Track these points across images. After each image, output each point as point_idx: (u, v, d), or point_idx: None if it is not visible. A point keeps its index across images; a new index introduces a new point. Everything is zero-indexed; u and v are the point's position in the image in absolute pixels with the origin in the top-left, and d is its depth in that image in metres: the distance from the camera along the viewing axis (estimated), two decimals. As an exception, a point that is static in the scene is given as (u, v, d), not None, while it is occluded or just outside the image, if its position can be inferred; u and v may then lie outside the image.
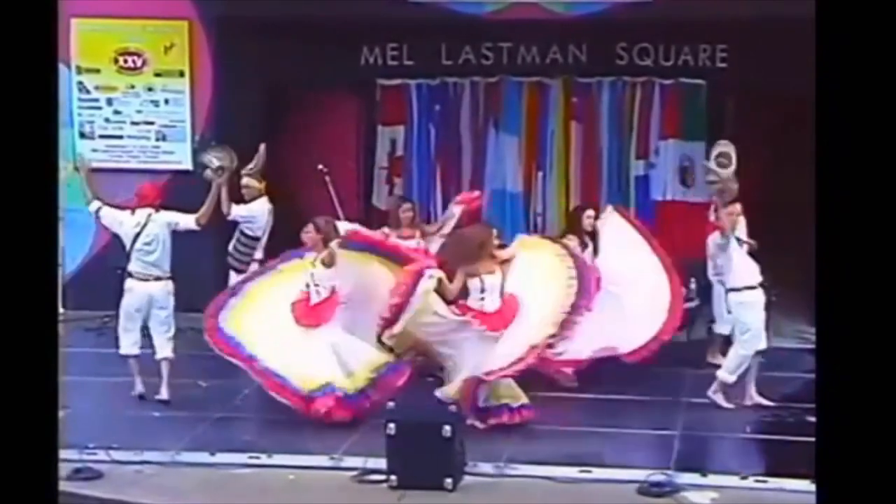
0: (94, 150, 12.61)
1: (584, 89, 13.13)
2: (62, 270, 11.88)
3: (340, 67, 12.83)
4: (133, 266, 9.94)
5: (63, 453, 8.45)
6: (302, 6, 11.73)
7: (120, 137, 12.63)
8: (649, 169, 13.06)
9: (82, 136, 12.64)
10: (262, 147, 11.20)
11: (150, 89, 12.55)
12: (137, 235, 9.95)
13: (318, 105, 13.21)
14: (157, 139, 12.59)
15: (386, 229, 11.09)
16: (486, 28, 12.41)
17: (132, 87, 12.54)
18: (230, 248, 11.20)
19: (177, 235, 10.18)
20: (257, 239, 11.17)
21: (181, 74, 12.52)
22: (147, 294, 9.92)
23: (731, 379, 9.70)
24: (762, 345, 9.62)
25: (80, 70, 12.55)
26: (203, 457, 8.77)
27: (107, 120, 12.63)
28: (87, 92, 12.59)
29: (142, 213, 10.05)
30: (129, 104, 12.59)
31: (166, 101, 12.56)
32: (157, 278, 9.94)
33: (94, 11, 12.38)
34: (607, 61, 12.75)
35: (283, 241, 10.82)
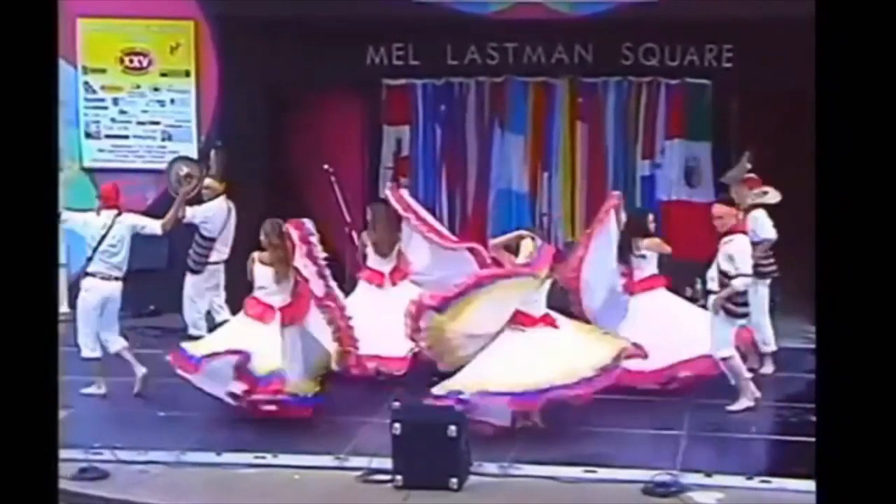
0: (101, 150, 12.66)
1: (590, 89, 13.14)
2: (68, 271, 11.89)
3: (346, 67, 12.83)
4: (96, 266, 10.06)
5: (68, 453, 8.52)
6: (307, 6, 11.73)
7: (126, 137, 12.64)
8: (655, 169, 13.08)
9: (88, 135, 12.66)
10: (213, 152, 11.23)
11: (155, 89, 12.58)
12: (103, 237, 10.04)
13: (324, 105, 13.22)
14: (163, 139, 12.59)
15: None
16: (492, 28, 12.41)
17: (138, 86, 12.57)
18: (190, 250, 11.19)
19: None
20: (213, 239, 11.14)
21: (187, 74, 12.55)
22: (108, 293, 10.06)
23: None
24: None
25: (85, 70, 12.57)
26: (209, 457, 8.78)
27: (113, 120, 12.65)
28: (93, 92, 12.61)
29: (107, 215, 10.14)
30: (134, 104, 12.61)
31: (172, 101, 12.58)
32: (117, 279, 10.10)
33: (99, 11, 12.41)
34: (613, 61, 12.76)
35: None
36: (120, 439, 8.91)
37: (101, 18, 12.42)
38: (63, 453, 8.36)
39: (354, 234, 12.27)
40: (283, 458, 8.70)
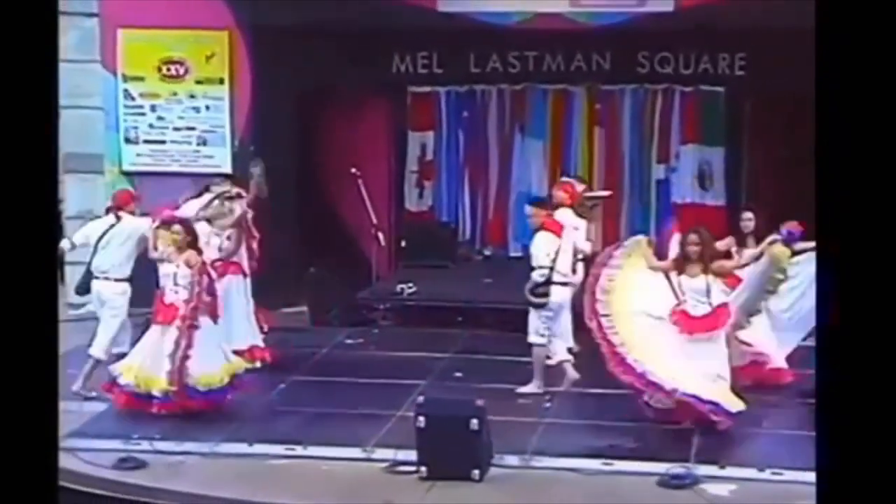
0: (139, 155, 12.85)
1: (607, 96, 13.38)
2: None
3: (373, 75, 13.07)
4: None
5: (108, 443, 8.86)
6: (336, 17, 11.92)
7: (163, 142, 12.82)
8: (670, 173, 13.33)
9: (127, 140, 12.85)
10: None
11: (191, 96, 12.75)
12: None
13: (352, 111, 13.40)
14: (198, 144, 12.77)
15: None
16: (513, 38, 12.62)
17: (175, 94, 12.74)
18: None
19: None
20: None
21: (221, 82, 12.70)
22: None
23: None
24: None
25: (125, 78, 12.75)
26: (241, 447, 8.96)
27: (150, 126, 12.82)
28: (132, 99, 12.80)
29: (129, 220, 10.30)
30: (171, 110, 12.79)
31: (207, 108, 12.75)
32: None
33: (139, 22, 12.60)
34: (629, 69, 12.96)
35: (320, 244, 11.10)
36: (158, 430, 9.09)
37: (141, 29, 12.58)
38: (103, 443, 8.78)
39: (381, 235, 12.64)
40: (312, 450, 8.85)
